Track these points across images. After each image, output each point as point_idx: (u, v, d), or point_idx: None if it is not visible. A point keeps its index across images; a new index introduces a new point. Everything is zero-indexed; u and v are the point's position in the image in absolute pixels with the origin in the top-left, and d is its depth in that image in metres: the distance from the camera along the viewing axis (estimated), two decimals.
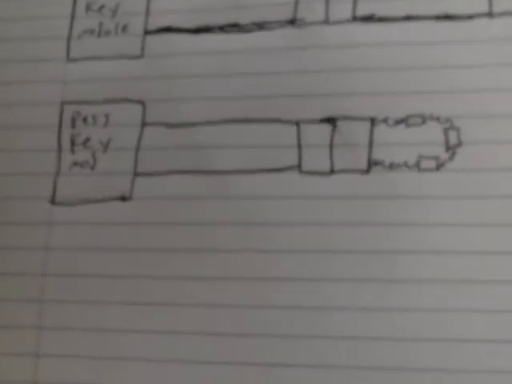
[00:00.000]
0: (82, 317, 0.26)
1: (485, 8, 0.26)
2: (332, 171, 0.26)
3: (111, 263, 0.26)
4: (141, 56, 0.28)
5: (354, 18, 0.27)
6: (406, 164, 0.25)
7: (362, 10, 0.27)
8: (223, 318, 0.25)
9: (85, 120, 0.28)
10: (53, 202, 0.27)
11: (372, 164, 0.25)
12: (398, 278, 0.24)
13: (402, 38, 0.26)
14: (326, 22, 0.27)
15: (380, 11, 0.26)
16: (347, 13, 0.27)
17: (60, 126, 0.28)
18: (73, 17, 0.29)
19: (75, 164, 0.28)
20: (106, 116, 0.28)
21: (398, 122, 0.25)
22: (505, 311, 0.23)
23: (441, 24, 0.26)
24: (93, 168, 0.27)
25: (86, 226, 0.27)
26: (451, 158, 0.25)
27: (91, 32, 0.29)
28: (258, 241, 0.25)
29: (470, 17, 0.26)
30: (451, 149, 0.25)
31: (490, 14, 0.26)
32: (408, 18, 0.26)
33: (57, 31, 0.29)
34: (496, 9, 0.26)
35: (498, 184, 0.24)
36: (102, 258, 0.26)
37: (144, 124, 0.27)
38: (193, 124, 0.27)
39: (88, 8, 0.29)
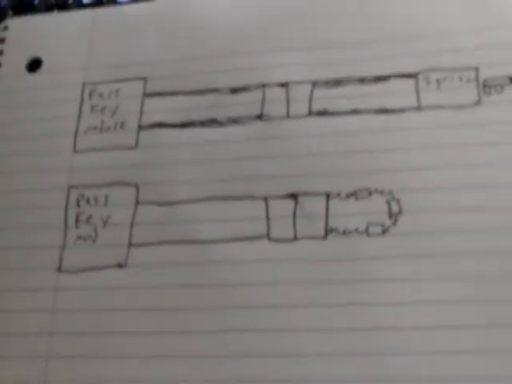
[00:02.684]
0: (87, 371, 0.26)
1: (414, 103, 0.27)
2: (295, 238, 0.26)
3: (110, 322, 0.27)
4: (135, 147, 0.29)
5: (310, 113, 0.28)
6: (356, 230, 0.26)
7: (317, 106, 0.28)
8: (215, 366, 0.25)
9: (88, 201, 0.29)
10: (59, 270, 0.28)
11: (328, 231, 0.26)
12: (356, 326, 0.25)
13: (349, 128, 0.27)
14: (288, 116, 0.28)
15: (331, 107, 0.28)
16: (304, 109, 0.28)
17: (66, 206, 0.29)
18: (80, 116, 0.30)
19: (79, 238, 0.28)
20: (106, 197, 0.29)
21: (349, 195, 0.27)
22: (463, 352, 0.24)
23: (379, 116, 0.27)
24: (94, 241, 0.28)
25: (88, 291, 0.27)
26: (394, 224, 0.26)
27: (94, 128, 0.30)
28: (235, 298, 0.26)
29: (402, 110, 0.27)
30: (393, 216, 0.26)
31: (418, 108, 0.27)
32: (354, 111, 0.28)
33: (66, 128, 0.30)
34: (423, 103, 0.27)
35: (433, 244, 0.25)
36: (101, 318, 0.27)
37: (138, 203, 0.28)
38: (179, 202, 0.28)
39: (92, 109, 0.30)
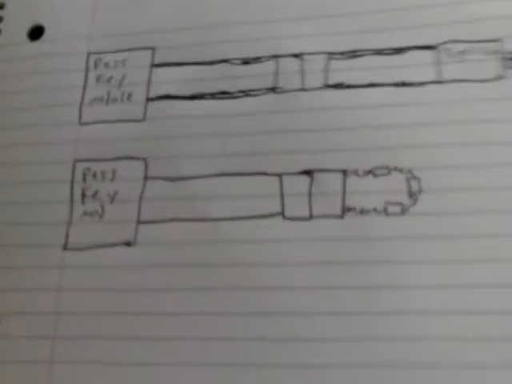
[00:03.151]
0: (93, 351, 0.26)
1: (434, 76, 0.26)
2: (311, 217, 0.26)
3: (117, 302, 0.26)
4: (143, 119, 0.28)
5: (326, 86, 0.27)
6: (374, 209, 0.25)
7: (333, 79, 0.27)
8: (224, 349, 0.25)
9: (94, 175, 0.28)
10: (65, 248, 0.27)
11: (345, 210, 0.25)
12: (372, 310, 0.24)
13: (366, 102, 0.27)
14: (303, 89, 0.27)
15: (348, 80, 0.27)
16: (320, 81, 0.27)
17: (72, 180, 0.28)
18: (85, 87, 0.29)
19: (85, 214, 0.27)
20: (113, 171, 0.28)
21: (367, 173, 0.26)
22: (477, 339, 0.23)
23: (398, 90, 0.26)
24: (101, 217, 0.27)
25: (94, 269, 0.27)
26: (414, 204, 0.25)
27: (100, 99, 0.29)
28: (248, 279, 0.25)
29: (423, 83, 0.26)
30: (413, 195, 0.25)
31: (438, 81, 0.26)
32: (371, 85, 0.27)
33: (71, 99, 0.29)
34: (444, 76, 0.26)
35: (454, 225, 0.24)
36: (108, 298, 0.26)
37: (146, 178, 0.27)
38: (189, 178, 0.27)
39: (98, 79, 0.29)
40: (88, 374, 0.25)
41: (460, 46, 0.27)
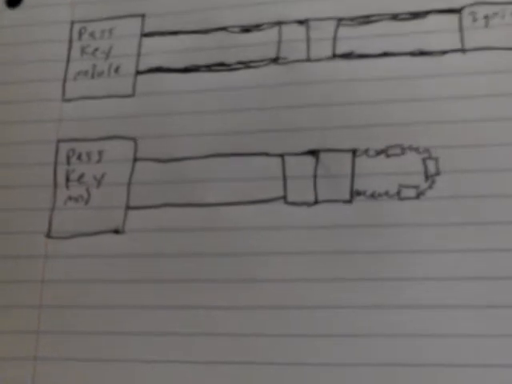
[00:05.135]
0: (78, 346, 0.25)
1: (457, 44, 0.25)
2: (316, 201, 0.25)
3: (104, 294, 0.25)
4: (132, 95, 0.27)
5: (335, 56, 0.26)
6: (387, 193, 0.24)
7: (342, 48, 0.26)
8: (217, 345, 0.24)
9: (79, 157, 0.27)
10: (48, 235, 0.26)
11: (354, 194, 0.24)
12: (381, 303, 0.23)
13: (379, 74, 0.25)
14: (308, 59, 0.26)
15: (359, 49, 0.26)
16: (328, 51, 0.26)
17: (55, 162, 0.27)
18: (68, 59, 0.28)
19: (70, 199, 0.27)
20: (100, 153, 0.27)
21: (379, 152, 0.25)
22: (487, 336, 0.22)
23: (416, 59, 0.25)
24: (87, 202, 0.26)
25: (80, 259, 0.26)
26: (431, 187, 0.24)
27: (85, 73, 0.28)
28: (247, 270, 0.24)
29: (444, 52, 0.25)
30: (430, 178, 0.24)
31: (462, 50, 0.25)
32: (385, 54, 0.26)
33: (53, 73, 0.28)
34: (468, 44, 0.25)
35: (475, 211, 0.23)
36: (95, 289, 0.25)
37: (136, 160, 0.27)
38: (182, 159, 0.26)
39: (82, 51, 0.28)
40: (73, 370, 0.25)
41: (487, 10, 0.25)
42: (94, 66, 0.28)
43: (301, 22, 0.27)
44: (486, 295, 0.22)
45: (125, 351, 0.24)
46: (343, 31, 0.26)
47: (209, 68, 0.27)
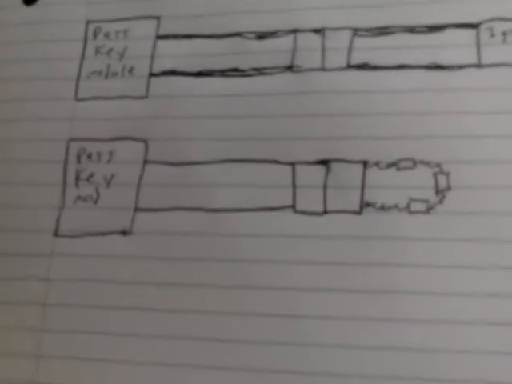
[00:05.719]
0: (82, 346, 0.24)
1: (474, 59, 0.25)
2: (325, 211, 0.24)
3: (109, 295, 0.25)
4: (145, 97, 0.27)
5: (349, 66, 0.26)
6: (396, 206, 0.24)
7: (357, 59, 0.26)
8: (221, 352, 0.24)
9: (89, 156, 0.27)
10: (56, 234, 0.26)
11: (364, 205, 0.24)
12: (385, 316, 0.23)
13: (394, 86, 0.25)
14: (322, 68, 0.26)
15: (373, 60, 0.25)
16: (342, 61, 0.26)
17: (66, 161, 0.27)
18: (82, 58, 0.28)
19: (79, 198, 0.26)
20: (110, 153, 0.27)
21: (390, 165, 0.24)
22: (498, 353, 0.22)
23: (431, 73, 0.25)
24: (96, 202, 0.26)
25: (86, 258, 0.26)
26: (441, 202, 0.24)
27: (99, 73, 0.28)
28: (253, 277, 0.24)
29: (459, 67, 0.25)
30: (441, 193, 0.24)
31: (478, 65, 0.25)
32: (400, 66, 0.25)
33: (67, 72, 0.28)
34: (485, 60, 0.24)
35: (485, 227, 0.23)
36: (100, 290, 0.25)
37: (146, 162, 0.26)
38: (193, 163, 0.26)
39: (97, 51, 0.28)
40: (76, 369, 0.24)
41: (505, 26, 0.25)
42: (108, 66, 0.28)
43: (316, 31, 0.26)
44: (496, 312, 0.22)
45: (128, 352, 0.24)
46: (359, 42, 0.26)
47: (222, 73, 0.27)
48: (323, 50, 0.26)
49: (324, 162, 0.25)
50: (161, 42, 0.27)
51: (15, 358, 0.25)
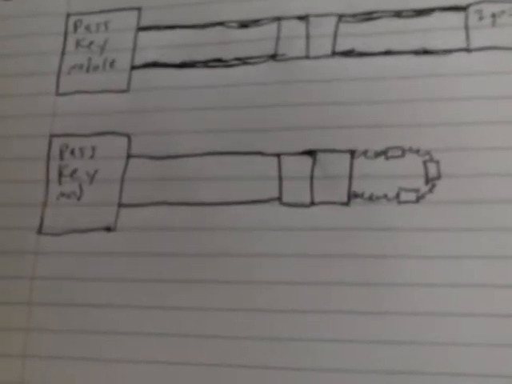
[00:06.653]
0: (68, 345, 0.24)
1: (463, 43, 0.24)
2: (312, 203, 0.24)
3: (95, 292, 0.25)
4: (127, 90, 0.27)
5: (334, 53, 0.25)
6: (385, 196, 0.24)
7: (342, 46, 0.25)
8: (208, 347, 0.23)
9: (72, 152, 0.27)
10: (39, 231, 0.26)
11: (352, 196, 0.24)
12: (375, 309, 0.22)
13: (381, 73, 0.25)
14: (307, 56, 0.25)
15: (360, 46, 0.25)
16: (327, 48, 0.25)
17: (48, 157, 0.27)
18: (63, 53, 0.28)
19: (62, 195, 0.26)
20: (93, 148, 0.26)
21: (378, 154, 0.24)
22: (488, 345, 0.22)
23: (419, 58, 0.24)
24: (79, 199, 0.26)
25: (71, 256, 0.25)
26: (431, 191, 0.23)
27: (80, 67, 0.28)
28: (240, 271, 0.24)
29: (448, 51, 0.24)
30: (431, 181, 0.23)
31: (467, 49, 0.24)
32: (387, 52, 0.25)
33: (47, 66, 0.28)
34: (474, 44, 0.24)
35: (476, 216, 0.23)
36: (85, 287, 0.25)
37: (129, 156, 0.26)
38: (177, 156, 0.26)
39: (78, 44, 0.28)
40: (62, 368, 0.24)
41: (494, 8, 0.24)
42: (89, 59, 0.27)
43: (301, 18, 0.26)
44: (487, 303, 0.22)
45: (114, 350, 0.24)
46: (344, 28, 0.25)
47: (205, 64, 0.26)
48: (308, 37, 0.26)
49: (310, 153, 0.25)
50: (142, 34, 0.27)
51: (1, 359, 0.25)
